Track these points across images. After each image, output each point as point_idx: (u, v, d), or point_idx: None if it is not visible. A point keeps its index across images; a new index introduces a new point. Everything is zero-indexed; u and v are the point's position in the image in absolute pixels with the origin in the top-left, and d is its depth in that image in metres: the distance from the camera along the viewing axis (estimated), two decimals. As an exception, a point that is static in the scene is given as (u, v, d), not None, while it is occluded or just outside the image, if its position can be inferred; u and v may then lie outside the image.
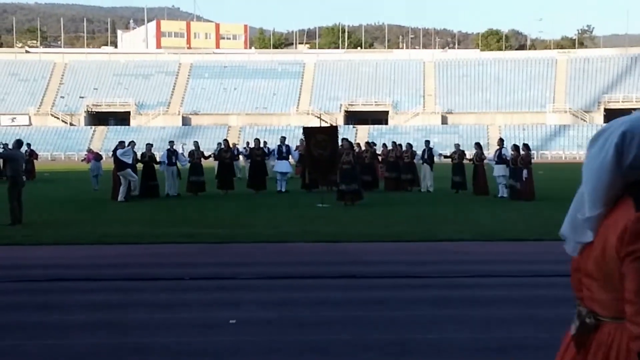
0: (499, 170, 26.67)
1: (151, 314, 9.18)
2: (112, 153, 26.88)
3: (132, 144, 27.00)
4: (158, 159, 28.44)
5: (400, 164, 30.37)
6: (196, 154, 29.03)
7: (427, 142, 30.73)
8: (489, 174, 27.59)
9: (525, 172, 24.76)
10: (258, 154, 30.22)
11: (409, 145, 31.08)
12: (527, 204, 23.37)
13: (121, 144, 26.56)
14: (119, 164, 25.51)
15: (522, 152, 25.24)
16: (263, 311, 9.25)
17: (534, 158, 26.97)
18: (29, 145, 36.84)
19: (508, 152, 26.82)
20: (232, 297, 10.16)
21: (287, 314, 9.02)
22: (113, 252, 14.14)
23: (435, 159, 30.27)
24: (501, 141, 28.08)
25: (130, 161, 25.54)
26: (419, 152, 30.43)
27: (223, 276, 11.65)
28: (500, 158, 26.69)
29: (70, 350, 7.68)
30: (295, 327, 8.47)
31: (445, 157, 30.31)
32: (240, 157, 33.34)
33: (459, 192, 28.17)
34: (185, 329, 8.43)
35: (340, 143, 25.58)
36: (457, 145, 30.10)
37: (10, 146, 20.57)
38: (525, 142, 28.42)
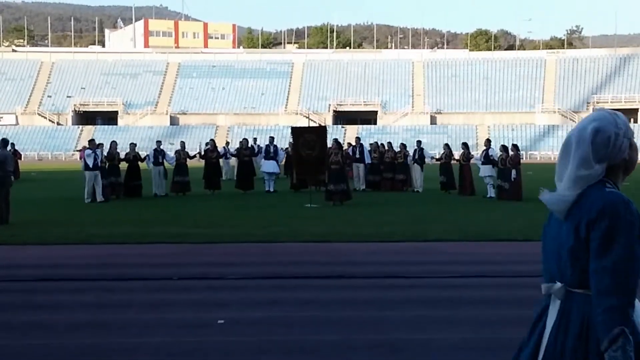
0: (485, 171, 26.67)
1: (139, 314, 9.15)
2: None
3: (113, 144, 26.82)
4: (143, 157, 28.40)
5: (395, 165, 30.42)
6: (182, 154, 28.92)
7: (419, 143, 30.70)
8: (476, 174, 27.59)
9: (513, 172, 24.77)
10: (246, 154, 30.16)
11: (403, 146, 31.01)
12: (515, 205, 23.40)
13: (91, 142, 26.29)
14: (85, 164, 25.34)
15: (511, 153, 25.24)
16: (251, 311, 9.23)
17: (522, 158, 26.97)
18: (12, 145, 36.64)
19: (495, 152, 26.84)
20: (220, 297, 10.15)
21: (275, 314, 9.01)
22: (100, 252, 14.09)
23: (427, 160, 30.25)
24: (488, 142, 28.14)
25: (90, 163, 25.10)
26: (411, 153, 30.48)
27: (211, 276, 11.63)
28: (487, 158, 26.70)
29: (57, 350, 7.65)
30: (284, 327, 8.46)
31: (437, 160, 30.23)
32: (232, 157, 33.29)
33: (449, 192, 28.15)
34: (173, 329, 8.40)
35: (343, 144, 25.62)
36: (446, 145, 30.02)
37: None
38: (515, 143, 28.42)
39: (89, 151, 25.40)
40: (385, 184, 30.26)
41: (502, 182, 25.35)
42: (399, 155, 30.34)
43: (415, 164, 29.74)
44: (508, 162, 25.02)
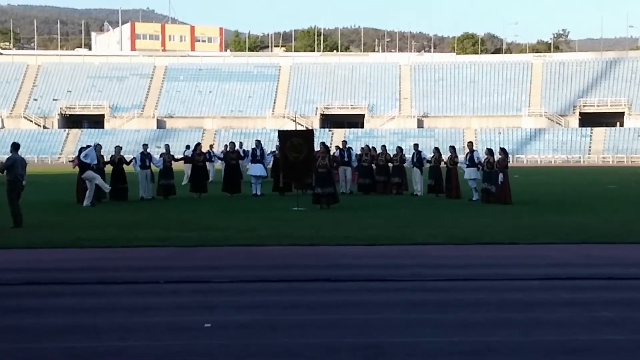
0: (470, 174, 26.69)
1: (126, 317, 9.13)
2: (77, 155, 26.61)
3: (98, 147, 26.64)
4: (128, 160, 28.16)
5: (389, 168, 30.41)
6: (167, 157, 28.78)
7: (416, 146, 30.64)
8: (461, 177, 27.63)
9: (501, 176, 24.76)
10: (233, 158, 30.09)
11: (399, 149, 30.95)
12: (501, 208, 23.43)
13: (83, 149, 26.20)
14: (82, 167, 25.21)
15: (499, 156, 25.20)
16: (238, 315, 9.22)
17: (509, 162, 26.98)
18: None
19: (480, 155, 26.84)
20: (206, 300, 10.13)
21: (261, 318, 9.00)
22: (87, 256, 14.04)
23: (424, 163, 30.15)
24: (471, 144, 28.21)
25: (88, 161, 24.99)
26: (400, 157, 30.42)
27: (198, 280, 11.60)
28: (471, 161, 26.71)
29: (43, 354, 7.63)
30: (270, 331, 8.45)
31: (428, 162, 30.06)
32: (217, 160, 33.15)
33: (438, 195, 28.11)
34: (159, 332, 8.39)
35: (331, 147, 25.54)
36: (436, 149, 29.86)
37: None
38: (502, 147, 28.39)
39: (83, 153, 25.20)
40: (378, 187, 30.20)
41: (489, 186, 25.30)
42: (395, 159, 30.28)
43: (414, 167, 29.67)
44: (496, 165, 25.00)
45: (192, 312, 9.39)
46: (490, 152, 25.95)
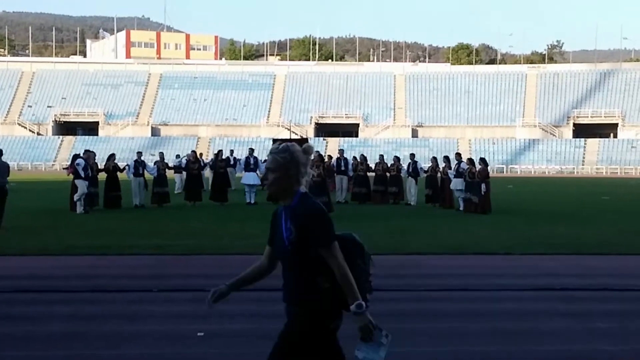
0: (457, 184, 26.82)
1: (119, 325, 9.09)
2: (70, 163, 26.66)
3: (92, 154, 26.60)
4: (122, 167, 28.14)
5: (388, 177, 30.48)
6: (161, 165, 28.77)
7: (412, 156, 30.73)
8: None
9: (483, 186, 24.86)
10: (221, 166, 30.04)
11: (397, 159, 31.02)
12: (496, 218, 23.44)
13: (76, 157, 26.19)
14: (76, 176, 25.18)
15: (479, 167, 25.40)
16: (232, 323, 9.19)
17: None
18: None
19: (464, 166, 27.00)
20: (200, 309, 10.08)
21: (256, 327, 8.97)
22: (80, 263, 14.00)
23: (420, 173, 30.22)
24: (458, 155, 28.36)
25: (81, 171, 24.95)
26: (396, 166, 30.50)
27: (191, 288, 11.57)
28: (458, 172, 26.86)
29: (35, 363, 7.59)
30: (264, 340, 8.39)
31: (425, 172, 30.10)
32: (207, 168, 33.16)
33: (435, 205, 28.17)
34: (153, 341, 8.36)
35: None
36: (433, 159, 30.06)
37: None
38: (482, 157, 28.46)
39: (81, 160, 25.26)
40: (375, 196, 30.26)
41: (471, 195, 25.47)
42: (392, 168, 30.36)
43: (409, 177, 29.77)
44: (477, 175, 25.14)
45: (186, 320, 9.36)
46: (471, 162, 26.17)
